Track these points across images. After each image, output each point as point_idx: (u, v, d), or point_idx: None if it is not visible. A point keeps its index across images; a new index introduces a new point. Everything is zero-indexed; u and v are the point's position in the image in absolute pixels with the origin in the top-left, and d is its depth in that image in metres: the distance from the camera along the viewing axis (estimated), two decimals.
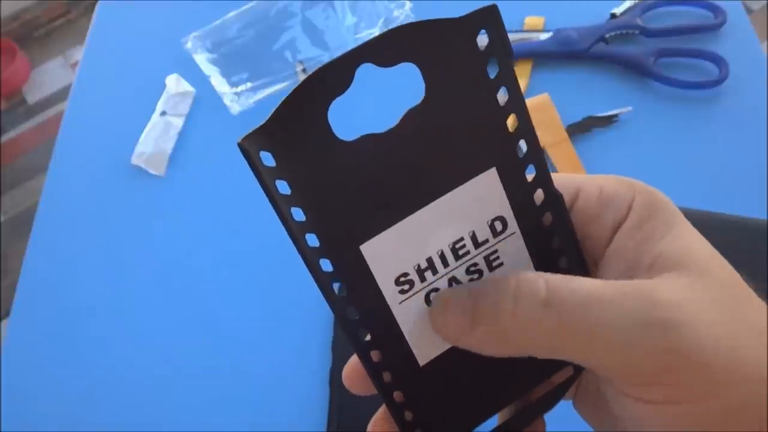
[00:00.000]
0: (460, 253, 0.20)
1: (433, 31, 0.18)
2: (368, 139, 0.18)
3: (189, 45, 0.62)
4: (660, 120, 0.55)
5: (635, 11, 0.60)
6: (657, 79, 0.56)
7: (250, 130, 0.17)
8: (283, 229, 0.18)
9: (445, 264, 0.20)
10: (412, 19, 0.61)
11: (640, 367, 0.17)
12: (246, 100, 0.59)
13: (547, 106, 0.55)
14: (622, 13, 0.60)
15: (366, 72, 0.18)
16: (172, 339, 0.50)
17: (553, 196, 0.21)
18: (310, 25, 0.62)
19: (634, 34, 0.59)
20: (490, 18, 0.18)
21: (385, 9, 0.62)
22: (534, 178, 0.20)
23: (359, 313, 0.20)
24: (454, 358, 0.21)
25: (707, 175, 0.52)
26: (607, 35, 0.58)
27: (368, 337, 0.20)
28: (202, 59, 0.61)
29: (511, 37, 0.59)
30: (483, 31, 0.18)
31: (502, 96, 0.19)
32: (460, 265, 0.20)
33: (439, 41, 0.18)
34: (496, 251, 0.20)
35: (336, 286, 0.19)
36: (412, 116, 0.18)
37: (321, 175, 0.18)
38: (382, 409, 0.22)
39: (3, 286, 1.42)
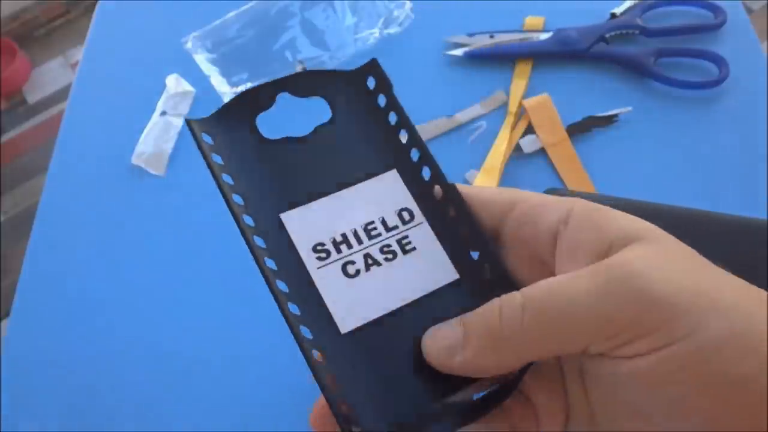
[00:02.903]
0: (372, 234, 0.24)
1: (335, 77, 0.25)
2: (287, 140, 0.24)
3: (189, 45, 0.62)
4: (660, 120, 0.55)
5: (635, 11, 0.60)
6: (657, 79, 0.56)
7: (199, 118, 0.23)
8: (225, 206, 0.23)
9: (359, 241, 0.24)
10: (412, 19, 0.62)
11: (615, 321, 0.18)
12: None
13: (547, 106, 0.56)
14: (622, 13, 0.60)
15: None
16: (172, 339, 0.50)
17: (449, 187, 0.24)
18: (310, 25, 0.62)
19: (634, 34, 0.59)
20: (374, 68, 0.26)
21: (385, 9, 0.62)
22: (430, 177, 0.25)
23: (288, 287, 0.22)
24: (377, 335, 0.22)
25: (707, 174, 0.52)
26: (607, 35, 0.58)
27: (298, 312, 0.22)
28: (202, 59, 0.61)
29: (511, 37, 0.60)
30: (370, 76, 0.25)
31: (392, 118, 0.25)
32: (374, 244, 0.24)
33: (340, 84, 0.25)
34: (407, 236, 0.24)
35: (270, 262, 0.23)
36: (320, 130, 0.25)
37: (246, 154, 0.24)
38: (320, 402, 0.22)
39: (3, 286, 1.42)
